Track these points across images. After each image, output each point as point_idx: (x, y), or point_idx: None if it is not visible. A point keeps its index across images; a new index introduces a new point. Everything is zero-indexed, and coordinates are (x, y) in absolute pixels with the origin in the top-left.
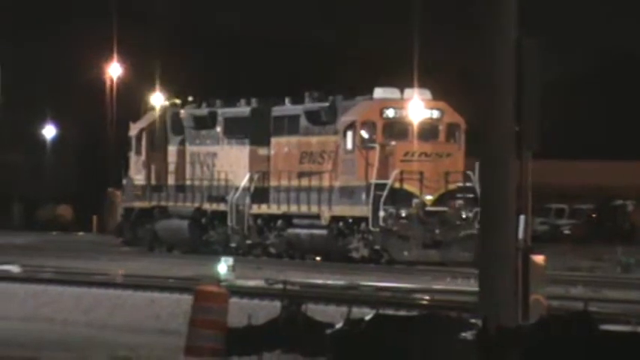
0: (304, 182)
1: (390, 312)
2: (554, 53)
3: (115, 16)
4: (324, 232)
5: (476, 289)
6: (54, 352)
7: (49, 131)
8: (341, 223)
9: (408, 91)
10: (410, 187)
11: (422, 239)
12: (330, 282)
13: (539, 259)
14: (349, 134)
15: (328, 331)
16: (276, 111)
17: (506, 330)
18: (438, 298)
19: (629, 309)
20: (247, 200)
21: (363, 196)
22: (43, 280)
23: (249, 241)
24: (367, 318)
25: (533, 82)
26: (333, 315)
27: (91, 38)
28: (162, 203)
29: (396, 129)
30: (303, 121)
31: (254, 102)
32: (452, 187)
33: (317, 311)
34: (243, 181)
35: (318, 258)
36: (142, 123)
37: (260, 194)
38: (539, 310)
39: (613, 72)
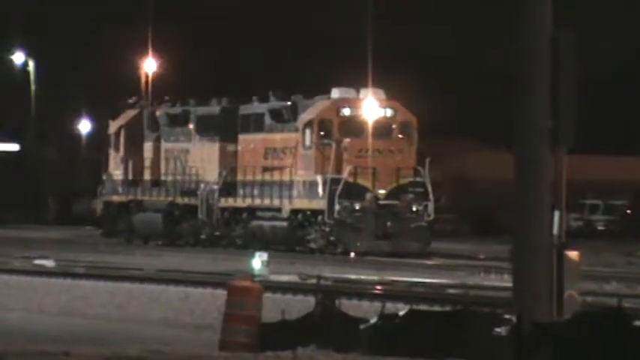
0: (268, 177)
1: (424, 307)
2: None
3: (150, 13)
4: (284, 224)
5: (510, 284)
6: (87, 346)
7: (85, 126)
8: (300, 216)
9: (363, 91)
10: (363, 181)
11: (374, 231)
12: (363, 277)
13: (573, 255)
14: (308, 131)
15: (362, 326)
16: (244, 109)
17: (540, 325)
18: (472, 294)
19: None
20: (216, 194)
21: (320, 190)
22: (77, 275)
23: (217, 233)
24: (401, 313)
25: (568, 79)
26: (367, 310)
27: (126, 34)
28: (139, 197)
29: (352, 127)
30: (268, 119)
31: (224, 101)
32: (403, 181)
33: (351, 306)
34: (213, 176)
35: (352, 255)
36: (120, 121)
37: (228, 188)
38: (573, 306)
39: None
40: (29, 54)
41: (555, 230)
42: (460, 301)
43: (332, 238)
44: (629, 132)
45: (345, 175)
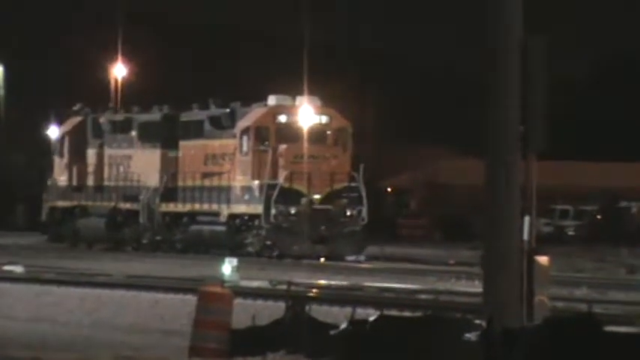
0: (207, 182)
1: (394, 313)
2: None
3: (120, 17)
4: (223, 228)
5: (480, 290)
6: (58, 352)
7: (53, 132)
8: (238, 220)
9: (299, 99)
10: (299, 186)
11: (309, 235)
12: (334, 282)
13: (543, 260)
14: (245, 138)
15: (332, 332)
16: (184, 116)
17: (510, 331)
18: (442, 299)
19: (634, 310)
20: (157, 199)
21: (257, 195)
22: (46, 281)
23: (158, 237)
24: (371, 319)
25: (539, 83)
26: (337, 316)
27: (97, 40)
28: (83, 202)
29: (288, 133)
30: (207, 126)
31: (165, 108)
32: (337, 186)
33: (321, 312)
34: (155, 182)
35: (322, 259)
36: (65, 127)
37: (169, 194)
38: (543, 311)
39: (618, 74)
40: None
41: (525, 236)
42: (430, 307)
43: (268, 242)
44: (599, 138)
45: (280, 180)
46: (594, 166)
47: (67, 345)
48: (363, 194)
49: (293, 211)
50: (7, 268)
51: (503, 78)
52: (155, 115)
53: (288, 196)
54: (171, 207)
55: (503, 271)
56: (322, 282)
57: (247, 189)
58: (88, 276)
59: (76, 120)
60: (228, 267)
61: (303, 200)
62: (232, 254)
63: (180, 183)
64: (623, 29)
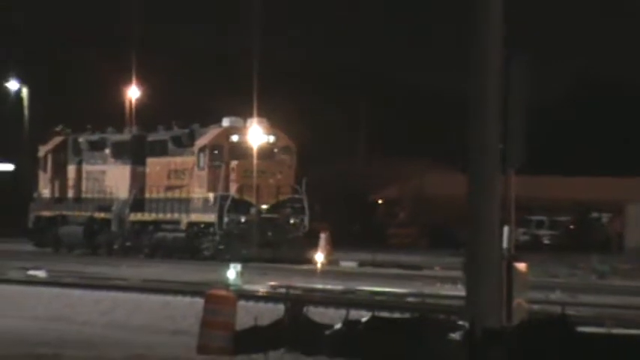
0: (170, 194)
1: (385, 314)
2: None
3: (134, 42)
4: (183, 235)
5: (463, 293)
6: (75, 349)
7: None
8: (195, 228)
9: (250, 120)
10: (248, 197)
11: (257, 240)
12: (329, 286)
13: (521, 266)
14: (202, 155)
15: (328, 332)
16: (151, 136)
17: (491, 331)
18: (428, 302)
19: (603, 312)
20: (127, 210)
21: (212, 205)
22: (66, 284)
23: (128, 243)
24: (363, 320)
25: (519, 104)
26: (333, 317)
27: (110, 62)
28: (64, 212)
29: (239, 151)
30: (170, 145)
31: (134, 129)
32: (282, 198)
33: (317, 313)
34: (125, 194)
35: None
36: (48, 146)
37: (137, 205)
38: (521, 313)
39: (588, 98)
40: (23, 81)
41: (505, 244)
42: (418, 309)
43: (221, 247)
44: (572, 155)
45: (232, 192)
46: (567, 181)
47: (84, 343)
48: (306, 205)
49: (243, 219)
50: (31, 272)
51: (485, 99)
52: (126, 136)
53: (239, 206)
54: (139, 216)
55: (484, 276)
56: (318, 286)
57: (204, 200)
58: (103, 279)
59: (58, 139)
60: (232, 272)
61: (252, 210)
62: (191, 257)
63: (147, 195)
64: (592, 55)
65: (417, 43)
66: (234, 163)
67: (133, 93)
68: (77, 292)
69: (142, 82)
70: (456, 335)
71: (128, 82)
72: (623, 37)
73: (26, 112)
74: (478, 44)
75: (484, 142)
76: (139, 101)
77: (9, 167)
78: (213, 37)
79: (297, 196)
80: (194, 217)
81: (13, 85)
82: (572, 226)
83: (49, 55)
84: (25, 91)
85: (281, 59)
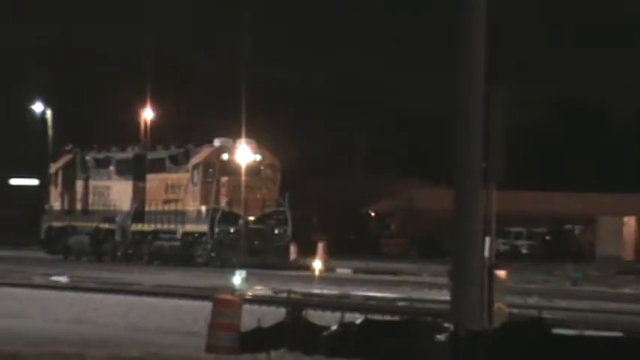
0: (167, 207)
1: (377, 317)
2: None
3: (148, 65)
4: (179, 243)
5: (448, 298)
6: (96, 349)
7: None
8: (190, 237)
9: (238, 141)
10: (237, 210)
11: (246, 248)
12: (326, 291)
13: (501, 273)
14: (195, 172)
15: (325, 333)
16: (151, 155)
17: (474, 333)
18: (416, 306)
19: (577, 316)
20: (129, 221)
21: (204, 217)
22: (87, 289)
23: (130, 251)
24: (358, 322)
25: (499, 128)
26: (329, 319)
27: (125, 85)
28: (73, 223)
29: (229, 168)
30: (168, 163)
31: (136, 149)
32: (267, 210)
33: (315, 316)
34: (127, 207)
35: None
36: (59, 163)
37: (138, 216)
38: (501, 316)
39: (565, 119)
40: (47, 104)
41: (486, 253)
42: (407, 312)
43: (213, 254)
44: (548, 171)
45: (223, 205)
46: (544, 195)
47: (103, 343)
48: (289, 217)
49: (232, 229)
50: (54, 278)
51: (468, 122)
52: (128, 154)
53: (229, 218)
54: (139, 227)
55: (468, 283)
56: (316, 291)
57: (197, 212)
58: (122, 285)
59: (67, 157)
60: (238, 278)
61: (241, 221)
62: (186, 264)
63: (147, 208)
64: (569, 80)
65: (407, 66)
66: (224, 179)
67: (147, 114)
68: (97, 297)
69: (154, 103)
70: (442, 336)
71: (142, 104)
72: (597, 64)
73: (50, 132)
74: (464, 69)
75: (468, 161)
76: (149, 120)
77: (34, 182)
78: (212, 62)
79: (281, 208)
80: (188, 227)
81: (38, 107)
82: (547, 237)
83: (72, 78)
84: (49, 113)
85: (278, 81)
